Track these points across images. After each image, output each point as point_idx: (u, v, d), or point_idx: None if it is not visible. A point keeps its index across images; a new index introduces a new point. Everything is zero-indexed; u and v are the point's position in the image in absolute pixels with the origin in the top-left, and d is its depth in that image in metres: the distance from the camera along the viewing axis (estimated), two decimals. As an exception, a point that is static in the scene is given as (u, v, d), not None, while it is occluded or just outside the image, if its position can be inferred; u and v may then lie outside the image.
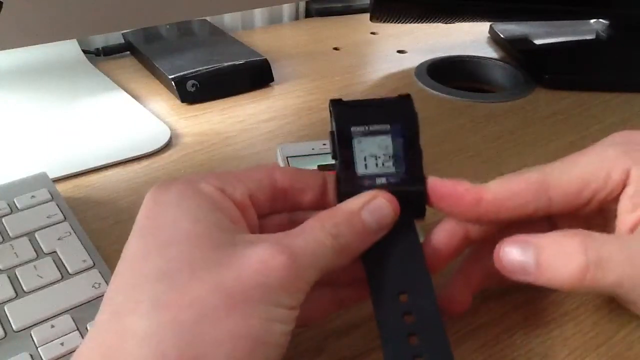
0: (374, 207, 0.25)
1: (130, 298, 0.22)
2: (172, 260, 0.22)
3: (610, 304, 0.32)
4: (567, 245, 0.25)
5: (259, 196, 0.26)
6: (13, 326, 0.29)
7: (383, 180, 0.27)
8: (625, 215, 0.26)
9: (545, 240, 0.25)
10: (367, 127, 0.27)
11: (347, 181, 0.27)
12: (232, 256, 0.22)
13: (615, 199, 0.27)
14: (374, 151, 0.27)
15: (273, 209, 0.27)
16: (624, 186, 0.27)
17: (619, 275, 0.24)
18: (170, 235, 0.23)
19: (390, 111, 0.28)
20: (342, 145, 0.27)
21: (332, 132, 0.28)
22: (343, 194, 0.26)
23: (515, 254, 0.26)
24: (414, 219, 0.27)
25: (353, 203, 0.25)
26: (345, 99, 0.28)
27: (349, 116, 0.28)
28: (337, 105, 0.28)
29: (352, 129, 0.27)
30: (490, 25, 0.71)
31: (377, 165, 0.27)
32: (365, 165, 0.27)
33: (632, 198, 0.26)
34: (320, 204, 0.27)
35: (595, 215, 0.28)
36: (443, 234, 0.28)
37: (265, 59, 0.57)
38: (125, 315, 0.21)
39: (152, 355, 0.20)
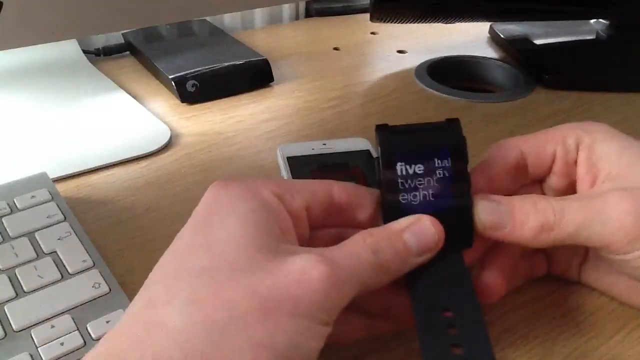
0: (417, 228, 0.25)
1: (168, 290, 0.22)
2: (214, 258, 0.22)
3: (610, 304, 0.32)
4: (528, 204, 0.27)
5: (314, 209, 0.26)
6: (13, 326, 0.29)
7: (429, 208, 0.26)
8: (582, 178, 0.30)
9: (515, 199, 0.28)
10: (413, 153, 0.27)
11: (392, 208, 0.26)
12: (274, 262, 0.22)
13: (575, 163, 0.30)
14: (419, 178, 0.27)
15: (326, 223, 0.28)
16: (578, 151, 0.30)
17: (575, 224, 0.27)
18: (218, 234, 0.23)
19: (437, 136, 0.27)
20: (387, 171, 0.27)
21: (377, 158, 0.27)
22: (387, 221, 0.26)
23: (492, 206, 0.27)
24: (461, 249, 0.27)
25: (396, 224, 0.26)
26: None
27: (394, 142, 0.27)
28: (383, 131, 0.27)
29: (398, 155, 0.27)
30: (490, 25, 0.71)
31: (423, 192, 0.26)
32: (411, 192, 0.26)
33: (585, 162, 0.30)
34: (374, 223, 0.27)
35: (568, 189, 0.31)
36: None
37: (265, 59, 0.57)
38: (160, 306, 0.21)
39: (178, 350, 0.20)
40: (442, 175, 0.27)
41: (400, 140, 0.27)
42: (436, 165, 0.27)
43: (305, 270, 0.22)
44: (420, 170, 0.27)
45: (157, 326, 0.21)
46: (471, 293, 0.25)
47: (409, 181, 0.27)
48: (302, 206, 0.26)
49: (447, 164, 0.27)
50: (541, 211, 0.27)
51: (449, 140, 0.27)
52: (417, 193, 0.26)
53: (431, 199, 0.26)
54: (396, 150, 0.27)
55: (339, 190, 0.27)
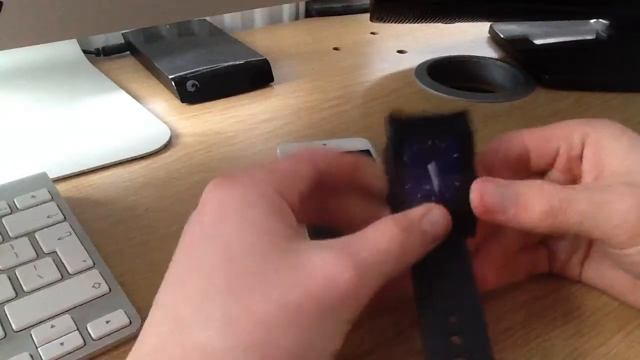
0: (432, 218, 0.26)
1: (198, 311, 0.21)
2: (239, 273, 0.22)
3: (611, 304, 0.32)
4: (535, 189, 0.27)
5: (305, 192, 0.27)
6: (13, 326, 0.29)
7: (435, 196, 0.27)
8: (587, 173, 0.30)
9: (521, 183, 0.28)
10: (422, 143, 0.27)
11: (400, 196, 0.27)
12: (298, 268, 0.22)
13: (578, 158, 0.30)
14: (427, 167, 0.27)
15: (311, 195, 0.28)
16: (583, 146, 0.30)
17: (580, 214, 0.27)
18: (237, 246, 0.23)
19: (446, 127, 0.28)
20: (396, 159, 0.27)
21: (387, 146, 0.28)
22: (396, 209, 0.26)
23: (497, 188, 0.27)
24: (464, 237, 0.27)
25: (414, 213, 0.26)
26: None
27: (404, 131, 0.28)
28: (393, 120, 0.28)
29: (407, 143, 0.27)
30: (490, 25, 0.71)
31: (429, 184, 0.27)
32: (419, 180, 0.27)
33: (591, 157, 0.30)
34: (353, 184, 0.28)
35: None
36: None
37: (265, 59, 0.57)
38: (194, 330, 0.21)
39: None
40: (449, 165, 0.27)
41: (410, 130, 0.28)
42: (444, 155, 0.27)
43: (330, 276, 0.22)
44: (428, 159, 0.27)
45: (196, 351, 0.21)
46: (473, 284, 0.26)
47: (417, 169, 0.27)
48: (297, 195, 0.26)
49: (454, 155, 0.27)
50: (547, 196, 0.27)
51: (458, 132, 0.28)
52: (424, 181, 0.27)
53: (438, 188, 0.27)
54: (406, 139, 0.27)
55: (322, 162, 0.27)
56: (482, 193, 0.27)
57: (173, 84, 0.53)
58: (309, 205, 0.28)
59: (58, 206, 0.36)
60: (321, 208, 0.29)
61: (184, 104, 0.53)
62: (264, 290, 0.21)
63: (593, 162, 0.30)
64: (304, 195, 0.26)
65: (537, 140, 0.30)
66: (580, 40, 0.69)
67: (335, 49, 0.68)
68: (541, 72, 0.59)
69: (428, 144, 0.27)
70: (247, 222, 0.23)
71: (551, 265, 0.33)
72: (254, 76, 0.57)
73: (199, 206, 0.25)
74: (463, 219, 0.27)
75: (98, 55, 0.62)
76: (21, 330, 0.29)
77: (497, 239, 0.30)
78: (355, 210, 0.29)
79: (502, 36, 0.68)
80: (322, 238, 0.24)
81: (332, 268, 0.22)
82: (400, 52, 0.68)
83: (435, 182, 0.27)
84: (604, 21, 0.69)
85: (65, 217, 0.36)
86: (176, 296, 0.23)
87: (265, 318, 0.21)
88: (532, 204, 0.27)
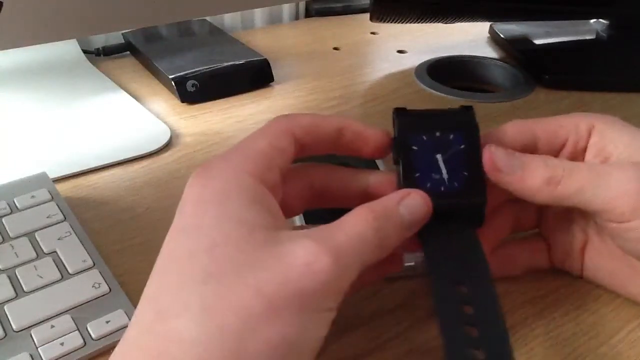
0: (409, 202, 0.26)
1: (176, 299, 0.22)
2: (217, 262, 0.22)
3: (611, 304, 0.32)
4: (539, 159, 0.29)
5: (287, 166, 0.27)
6: (13, 326, 0.29)
7: (445, 186, 0.27)
8: (591, 161, 0.31)
9: (527, 154, 0.29)
10: (429, 136, 0.28)
11: (411, 185, 0.27)
12: (276, 257, 0.22)
13: (583, 150, 0.31)
14: (435, 159, 0.28)
15: (298, 174, 0.28)
16: (589, 137, 0.31)
17: (580, 181, 0.28)
18: (215, 236, 0.23)
19: (452, 121, 0.29)
20: (404, 152, 0.28)
21: (394, 138, 0.28)
22: None
23: (506, 154, 0.28)
24: (473, 228, 0.27)
25: (389, 199, 0.26)
26: (409, 107, 0.29)
27: (412, 124, 0.28)
28: (401, 114, 0.29)
29: (415, 136, 0.28)
30: (490, 25, 0.71)
31: (438, 173, 0.27)
32: (427, 172, 0.27)
33: (595, 146, 0.30)
34: (337, 148, 0.29)
35: None
36: None
37: (265, 59, 0.57)
38: (172, 318, 0.21)
39: None
40: (457, 156, 0.28)
41: (417, 123, 0.28)
42: (451, 146, 0.28)
43: (308, 263, 0.22)
44: (435, 152, 0.28)
45: (173, 339, 0.21)
46: (488, 276, 0.26)
47: (426, 159, 0.28)
48: (278, 175, 0.26)
49: (461, 148, 0.28)
50: (551, 166, 0.28)
51: (464, 125, 0.28)
52: (433, 174, 0.27)
53: (446, 181, 0.27)
54: (414, 132, 0.28)
55: (300, 132, 0.27)
56: (493, 153, 0.28)
57: (173, 84, 0.53)
58: (301, 190, 0.28)
59: (58, 206, 0.36)
60: (315, 191, 0.29)
61: (184, 104, 0.53)
62: (241, 277, 0.21)
63: (597, 150, 0.30)
64: (286, 170, 0.26)
65: (548, 130, 0.31)
66: (580, 40, 0.69)
67: (335, 49, 0.68)
68: (541, 72, 0.59)
69: (436, 135, 0.28)
70: (225, 213, 0.23)
71: (553, 256, 0.33)
72: (254, 76, 0.57)
73: (181, 200, 0.25)
74: (470, 211, 0.27)
75: (98, 55, 0.62)
76: (21, 330, 0.29)
77: (489, 220, 0.30)
78: (351, 184, 0.29)
79: (502, 36, 0.68)
80: (316, 223, 0.24)
81: (310, 256, 0.22)
82: (400, 52, 0.68)
83: (444, 171, 0.27)
84: (604, 21, 0.69)
85: (65, 217, 0.36)
86: (157, 287, 0.23)
87: (243, 305, 0.21)
88: (536, 171, 0.28)
